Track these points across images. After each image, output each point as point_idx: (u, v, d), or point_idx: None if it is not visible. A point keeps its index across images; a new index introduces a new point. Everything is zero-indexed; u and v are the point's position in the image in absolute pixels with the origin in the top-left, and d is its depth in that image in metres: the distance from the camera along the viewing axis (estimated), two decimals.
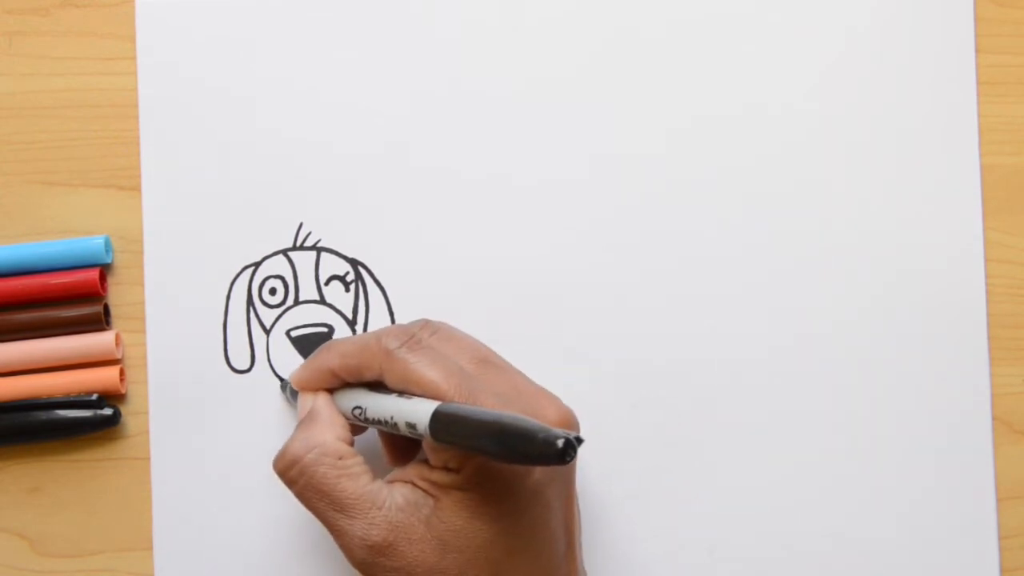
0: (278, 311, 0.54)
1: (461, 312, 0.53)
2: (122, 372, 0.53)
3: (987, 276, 0.54)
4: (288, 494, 0.53)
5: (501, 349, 0.52)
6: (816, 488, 0.54)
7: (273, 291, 0.54)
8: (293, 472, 0.47)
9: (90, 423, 0.52)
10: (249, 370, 0.53)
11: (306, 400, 0.49)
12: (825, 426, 0.54)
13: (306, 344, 0.53)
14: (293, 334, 0.53)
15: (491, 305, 0.54)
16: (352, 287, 0.54)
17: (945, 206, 0.54)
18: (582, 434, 0.44)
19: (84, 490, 0.53)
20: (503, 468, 0.44)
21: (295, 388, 0.50)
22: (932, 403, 0.54)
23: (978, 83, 0.54)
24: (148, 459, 0.53)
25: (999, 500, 0.54)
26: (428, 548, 0.45)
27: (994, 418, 0.54)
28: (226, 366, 0.53)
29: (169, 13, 0.54)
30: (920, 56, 0.54)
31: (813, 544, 0.53)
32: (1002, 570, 0.53)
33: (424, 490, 0.45)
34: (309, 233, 0.54)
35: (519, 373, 0.48)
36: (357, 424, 0.48)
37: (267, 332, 0.53)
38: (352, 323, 0.53)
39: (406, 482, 0.46)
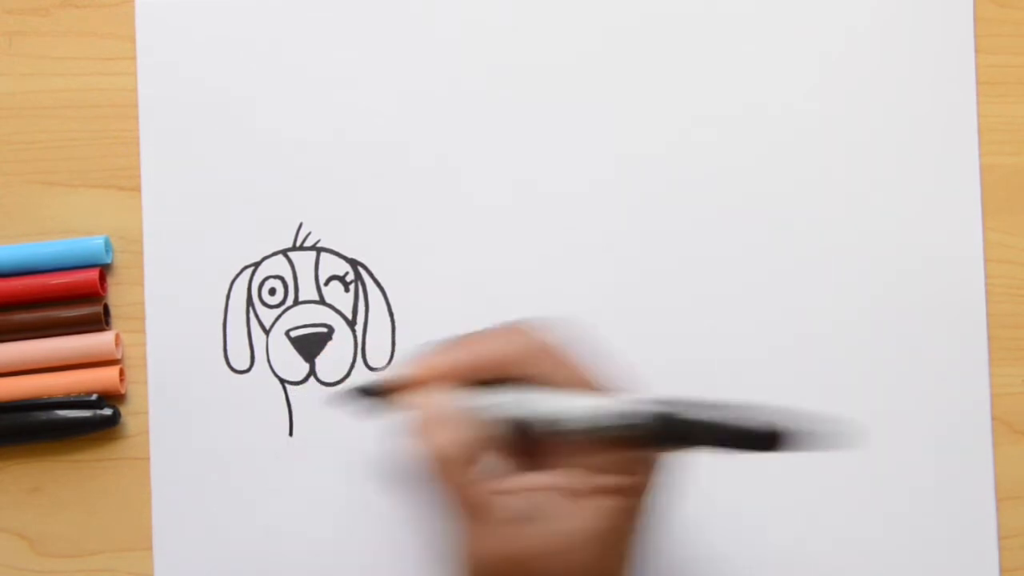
0: (278, 311, 0.54)
1: (460, 312, 0.53)
2: (122, 372, 0.53)
3: (987, 276, 0.54)
4: (282, 494, 0.53)
5: None
6: (816, 488, 0.53)
7: (273, 291, 0.54)
8: (443, 473, 0.43)
9: (90, 423, 0.52)
10: (249, 370, 0.53)
11: (432, 399, 0.45)
12: None
13: (305, 344, 0.53)
14: (293, 334, 0.53)
15: (491, 305, 0.54)
16: (352, 287, 0.54)
17: (945, 206, 0.54)
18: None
19: (84, 490, 0.53)
20: (653, 473, 0.43)
21: (413, 382, 0.45)
22: (932, 403, 0.54)
23: (978, 83, 0.54)
24: (148, 459, 0.53)
25: (999, 500, 0.54)
26: (570, 554, 0.43)
27: (994, 418, 0.54)
28: (226, 366, 0.53)
29: (169, 13, 0.54)
30: (920, 56, 0.54)
31: (813, 544, 0.53)
32: (1002, 570, 0.53)
33: (575, 495, 0.43)
34: (309, 233, 0.54)
35: None
36: (490, 423, 0.45)
37: (267, 332, 0.53)
38: (352, 323, 0.54)
39: (545, 488, 0.43)
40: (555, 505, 0.43)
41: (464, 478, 0.43)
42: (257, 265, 0.54)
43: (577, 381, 0.44)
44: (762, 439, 0.39)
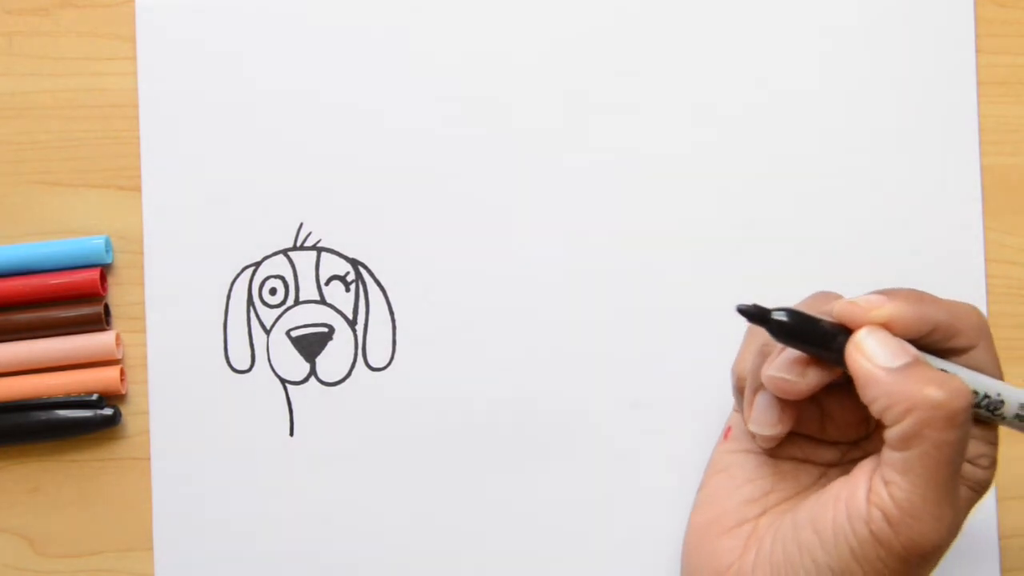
0: (278, 311, 0.54)
1: (461, 312, 0.53)
2: (122, 372, 0.53)
3: (987, 276, 0.54)
4: (282, 494, 0.53)
5: (500, 349, 0.52)
6: None
7: (273, 291, 0.54)
8: (964, 417, 0.40)
9: (90, 423, 0.52)
10: (249, 370, 0.53)
11: (888, 339, 0.41)
12: None
13: (306, 344, 0.53)
14: (293, 334, 0.53)
15: (491, 305, 0.54)
16: (352, 287, 0.54)
17: (945, 206, 0.54)
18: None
19: (84, 490, 0.53)
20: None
21: (850, 321, 0.42)
22: None
23: (978, 83, 0.54)
24: (148, 459, 0.53)
25: (999, 500, 0.53)
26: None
27: None
28: (226, 366, 0.53)
29: (169, 13, 0.54)
30: (920, 56, 0.54)
31: None
32: (1002, 570, 0.53)
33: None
34: (309, 233, 0.54)
35: None
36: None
37: (267, 332, 0.53)
38: (352, 323, 0.53)
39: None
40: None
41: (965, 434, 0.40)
42: (258, 265, 0.54)
43: (998, 373, 0.43)
44: None
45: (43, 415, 0.52)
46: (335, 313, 0.54)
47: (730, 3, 0.54)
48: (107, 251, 0.53)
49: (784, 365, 0.42)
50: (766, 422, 0.44)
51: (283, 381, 0.53)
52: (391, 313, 0.54)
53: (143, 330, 0.53)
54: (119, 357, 0.53)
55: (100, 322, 0.52)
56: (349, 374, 0.53)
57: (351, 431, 0.53)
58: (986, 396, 0.42)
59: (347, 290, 0.54)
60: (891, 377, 0.40)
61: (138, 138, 0.54)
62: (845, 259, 0.54)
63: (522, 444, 0.53)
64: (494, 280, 0.54)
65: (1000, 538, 0.53)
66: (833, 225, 0.54)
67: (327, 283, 0.54)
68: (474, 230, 0.54)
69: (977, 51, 0.54)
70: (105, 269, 0.53)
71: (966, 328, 0.42)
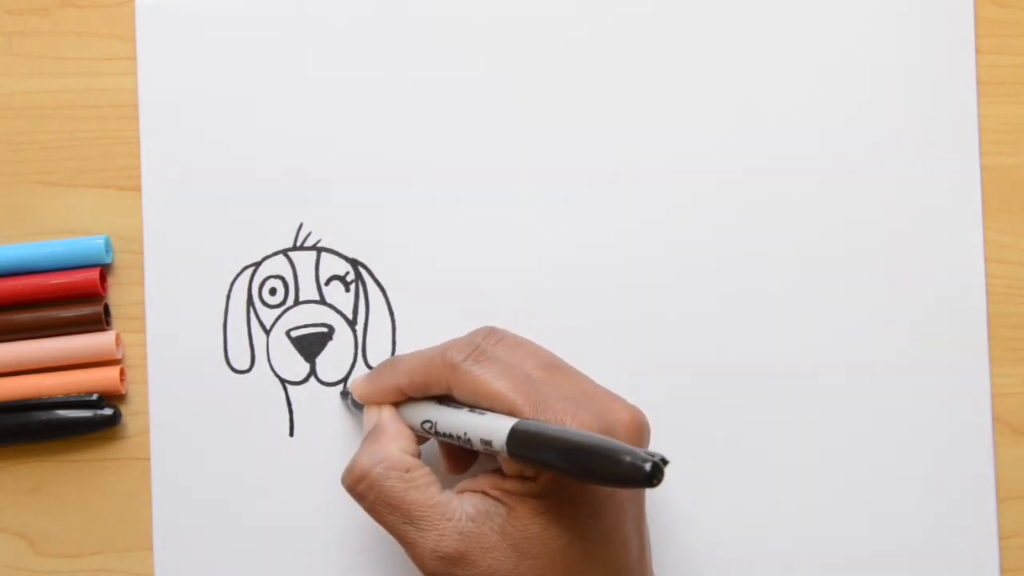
0: (278, 311, 0.54)
1: (460, 312, 0.53)
2: (122, 372, 0.53)
3: (987, 276, 0.54)
4: (282, 494, 0.53)
5: None
6: (816, 488, 0.54)
7: (273, 291, 0.54)
8: (362, 487, 0.47)
9: (90, 423, 0.52)
10: (249, 370, 0.53)
11: (371, 414, 0.49)
12: (825, 426, 0.54)
13: (306, 344, 0.53)
14: (293, 334, 0.53)
15: (491, 306, 0.54)
16: (352, 287, 0.54)
17: (945, 206, 0.54)
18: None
19: (84, 490, 0.53)
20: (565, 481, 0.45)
21: (359, 402, 0.50)
22: (932, 403, 0.54)
23: (978, 83, 0.54)
24: (148, 459, 0.53)
25: (999, 500, 0.54)
26: (502, 556, 0.44)
27: (994, 418, 0.54)
28: (226, 366, 0.53)
29: (169, 13, 0.54)
30: (920, 56, 0.54)
31: (813, 545, 0.53)
32: (1002, 570, 0.53)
33: (496, 499, 0.45)
34: (309, 233, 0.54)
35: (585, 376, 0.48)
36: (424, 437, 0.48)
37: (267, 332, 0.53)
38: (352, 323, 0.54)
39: (476, 492, 0.46)
40: (500, 506, 0.45)
41: (401, 485, 0.46)
42: (257, 265, 0.54)
43: (477, 396, 0.46)
44: (619, 470, 0.40)
45: (43, 415, 0.52)
46: (335, 313, 0.54)
47: (731, 4, 0.54)
48: (107, 251, 0.53)
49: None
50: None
51: (283, 381, 0.53)
52: (391, 313, 0.54)
53: (143, 330, 0.53)
54: (119, 357, 0.53)
55: (100, 322, 0.52)
56: (349, 374, 0.53)
57: (351, 431, 0.53)
58: (427, 420, 0.48)
59: (347, 290, 0.54)
60: None
61: (138, 138, 0.54)
62: (846, 259, 0.54)
63: None
64: (494, 280, 0.54)
65: (1000, 538, 0.53)
66: (833, 225, 0.54)
67: (327, 283, 0.54)
68: (475, 230, 0.54)
69: (977, 51, 0.54)
70: (105, 269, 0.54)
71: (435, 379, 0.47)
